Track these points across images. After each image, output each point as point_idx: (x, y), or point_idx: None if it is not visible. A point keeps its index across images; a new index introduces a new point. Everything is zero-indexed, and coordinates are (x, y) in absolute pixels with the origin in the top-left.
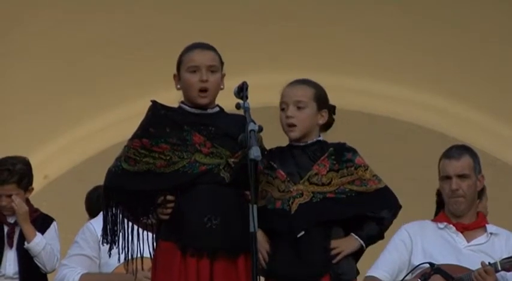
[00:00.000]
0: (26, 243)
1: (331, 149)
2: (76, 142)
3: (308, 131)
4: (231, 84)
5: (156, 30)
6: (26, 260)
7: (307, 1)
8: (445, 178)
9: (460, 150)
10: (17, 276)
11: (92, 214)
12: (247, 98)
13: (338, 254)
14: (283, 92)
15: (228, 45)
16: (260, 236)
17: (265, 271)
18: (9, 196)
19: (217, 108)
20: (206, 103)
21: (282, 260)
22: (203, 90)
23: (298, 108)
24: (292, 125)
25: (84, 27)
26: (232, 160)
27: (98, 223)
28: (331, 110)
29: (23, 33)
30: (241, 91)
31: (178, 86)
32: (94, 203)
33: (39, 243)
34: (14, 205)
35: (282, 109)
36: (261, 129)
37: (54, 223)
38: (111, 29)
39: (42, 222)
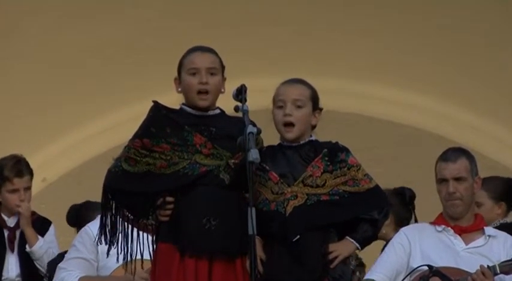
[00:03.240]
0: (27, 247)
1: (325, 150)
2: (74, 145)
3: (304, 131)
4: (229, 87)
5: (155, 34)
6: (27, 263)
7: (307, 4)
8: (441, 180)
9: (457, 153)
10: (19, 279)
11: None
12: (245, 100)
13: (335, 258)
14: (279, 90)
15: (227, 48)
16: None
17: (262, 276)
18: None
19: (218, 111)
20: (206, 106)
21: (278, 265)
22: (203, 92)
23: (297, 107)
24: (290, 124)
25: (84, 31)
26: (232, 161)
27: (95, 226)
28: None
29: (22, 37)
30: (240, 94)
31: (179, 89)
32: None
33: (42, 247)
34: (20, 209)
35: (279, 107)
36: (259, 131)
37: (52, 225)
38: (110, 32)
39: (41, 225)
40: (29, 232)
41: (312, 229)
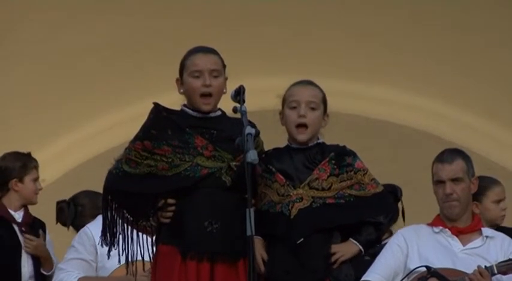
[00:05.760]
0: (43, 271)
1: (332, 154)
2: (73, 145)
3: (315, 134)
4: (228, 87)
5: (154, 34)
6: (38, 263)
7: (305, 5)
8: (438, 182)
9: (453, 154)
10: (32, 280)
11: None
12: (244, 101)
13: (338, 259)
14: (292, 91)
15: (226, 48)
16: (256, 242)
17: (265, 277)
18: None
19: (219, 112)
20: (209, 109)
21: (281, 266)
22: (206, 95)
23: (311, 108)
24: (303, 126)
25: (82, 31)
26: (234, 163)
27: (94, 226)
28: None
29: (21, 37)
30: (238, 95)
31: (182, 91)
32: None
33: (55, 269)
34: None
35: (292, 108)
36: (258, 133)
37: (46, 228)
38: (109, 32)
39: (41, 228)
40: (46, 258)
41: (316, 231)
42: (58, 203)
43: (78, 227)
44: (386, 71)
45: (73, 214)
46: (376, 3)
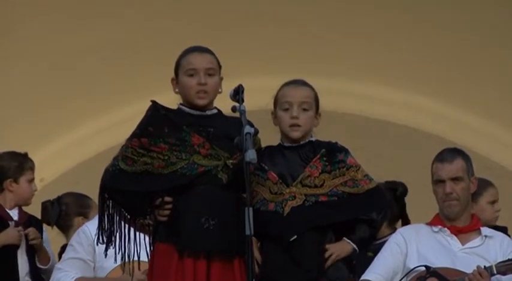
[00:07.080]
0: (39, 264)
1: (323, 150)
2: (72, 144)
3: (308, 133)
4: (227, 87)
5: (153, 35)
6: (34, 260)
7: (305, 5)
8: (438, 181)
9: (453, 153)
10: (27, 278)
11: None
12: (243, 101)
13: (332, 258)
14: (284, 91)
15: (225, 48)
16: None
17: (258, 276)
18: None
19: (215, 110)
20: (204, 104)
21: (275, 265)
22: (201, 92)
23: (304, 109)
24: (297, 125)
25: (81, 31)
26: (231, 161)
27: (93, 226)
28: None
29: (21, 37)
30: (237, 94)
31: (177, 90)
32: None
33: (52, 263)
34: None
35: (285, 109)
36: (256, 132)
37: (43, 225)
38: (109, 32)
39: (37, 225)
40: (44, 252)
41: (309, 229)
42: (43, 203)
43: (62, 227)
44: (386, 71)
45: (57, 213)
46: (376, 3)
